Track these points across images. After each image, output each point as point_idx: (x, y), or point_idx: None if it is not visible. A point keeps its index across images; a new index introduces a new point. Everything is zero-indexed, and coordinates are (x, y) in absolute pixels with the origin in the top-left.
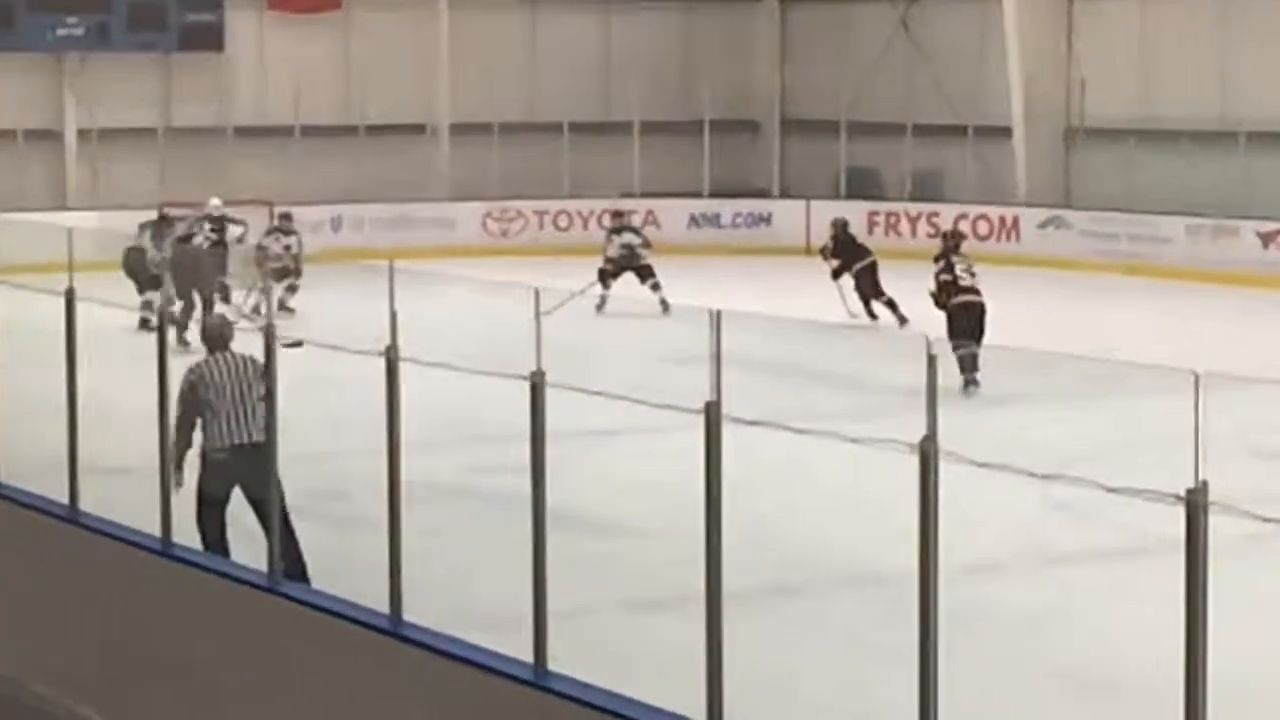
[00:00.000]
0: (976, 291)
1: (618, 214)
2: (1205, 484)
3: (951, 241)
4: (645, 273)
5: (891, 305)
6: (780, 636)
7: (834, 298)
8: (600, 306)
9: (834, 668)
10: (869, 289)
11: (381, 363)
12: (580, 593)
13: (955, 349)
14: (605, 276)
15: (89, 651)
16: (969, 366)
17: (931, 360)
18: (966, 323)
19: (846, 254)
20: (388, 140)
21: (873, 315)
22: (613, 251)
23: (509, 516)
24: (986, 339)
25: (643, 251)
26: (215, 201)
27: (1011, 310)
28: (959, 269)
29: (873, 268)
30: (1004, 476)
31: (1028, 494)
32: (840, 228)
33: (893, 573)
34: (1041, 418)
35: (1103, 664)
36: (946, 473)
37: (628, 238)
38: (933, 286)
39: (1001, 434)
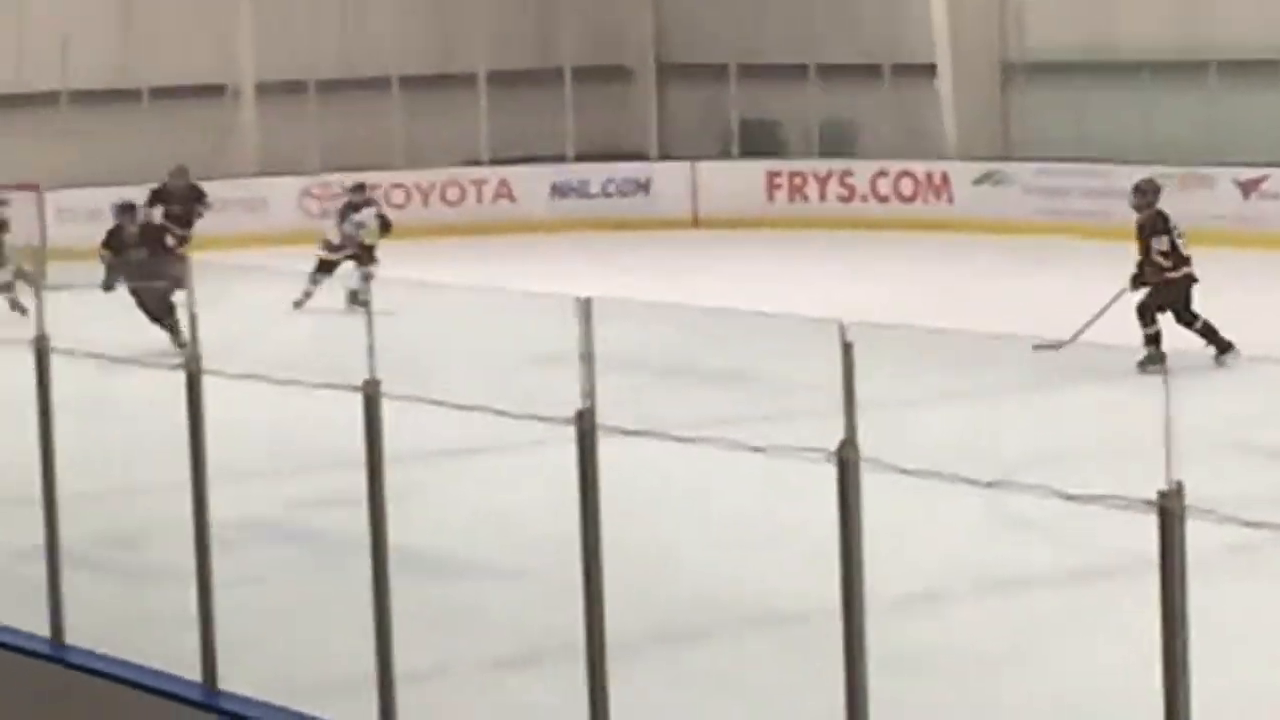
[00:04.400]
0: (1188, 261)
1: (359, 187)
2: (1180, 485)
3: (1153, 198)
4: (366, 258)
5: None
6: (677, 693)
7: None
8: (300, 304)
9: None
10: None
11: (182, 377)
12: (434, 649)
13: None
14: (330, 268)
15: None
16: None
17: (847, 349)
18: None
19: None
20: (178, 106)
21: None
22: (349, 229)
23: (343, 559)
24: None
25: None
26: None
27: (943, 284)
28: (1176, 236)
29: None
30: (942, 487)
31: (971, 507)
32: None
33: (811, 609)
34: (985, 415)
35: (1070, 712)
36: (871, 485)
37: (365, 215)
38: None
39: (937, 436)
